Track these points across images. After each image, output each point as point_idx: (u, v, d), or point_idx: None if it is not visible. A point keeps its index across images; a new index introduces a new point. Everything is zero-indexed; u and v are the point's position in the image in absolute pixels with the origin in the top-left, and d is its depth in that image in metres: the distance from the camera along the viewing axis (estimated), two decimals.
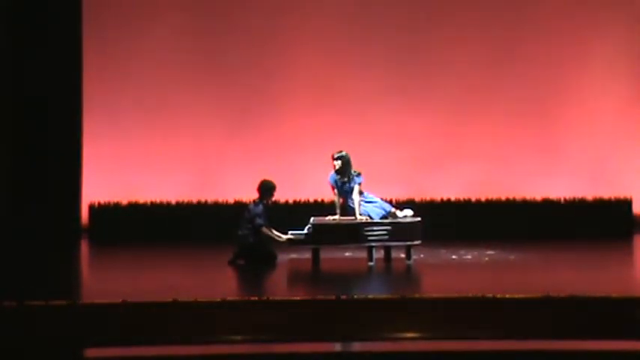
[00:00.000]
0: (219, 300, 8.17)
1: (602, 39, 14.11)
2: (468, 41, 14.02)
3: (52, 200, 13.47)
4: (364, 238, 10.69)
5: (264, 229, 10.90)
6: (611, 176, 14.05)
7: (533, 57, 14.06)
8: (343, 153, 10.86)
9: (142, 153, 13.94)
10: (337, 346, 8.05)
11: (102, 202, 13.88)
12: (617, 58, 14.11)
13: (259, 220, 10.89)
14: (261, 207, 10.96)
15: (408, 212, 11.01)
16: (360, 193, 10.80)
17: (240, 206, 13.60)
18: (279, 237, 10.91)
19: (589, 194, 14.02)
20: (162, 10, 14.01)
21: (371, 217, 10.75)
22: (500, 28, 14.07)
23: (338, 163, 10.81)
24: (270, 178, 11.16)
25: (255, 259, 10.93)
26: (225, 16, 14.06)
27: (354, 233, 10.68)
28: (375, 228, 10.69)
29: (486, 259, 11.31)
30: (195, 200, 13.94)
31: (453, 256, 11.49)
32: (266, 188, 11.03)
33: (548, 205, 13.97)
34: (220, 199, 13.92)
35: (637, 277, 10.55)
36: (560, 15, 14.10)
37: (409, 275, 10.44)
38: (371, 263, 10.69)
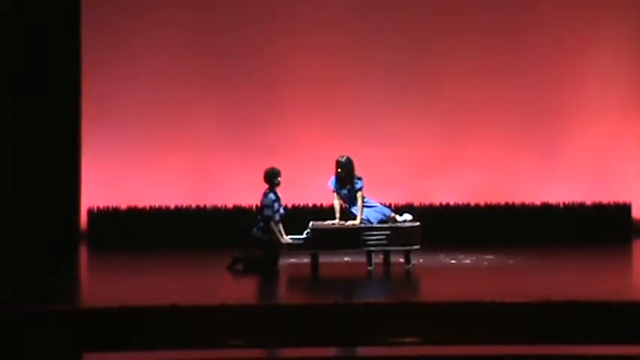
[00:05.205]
0: (217, 304, 8.16)
1: (601, 45, 14.12)
2: (467, 47, 14.01)
3: (51, 205, 13.45)
4: (363, 243, 10.68)
5: (271, 224, 10.83)
6: (611, 181, 14.06)
7: (532, 63, 14.06)
8: (345, 160, 10.80)
9: (141, 157, 13.93)
10: (336, 351, 8.05)
11: (101, 206, 13.87)
12: (616, 64, 14.11)
13: (267, 212, 10.82)
14: (271, 196, 10.87)
15: (407, 217, 11.01)
16: (362, 197, 10.79)
17: (239, 211, 13.66)
18: (282, 237, 10.86)
19: (588, 199, 14.02)
20: (163, 19, 13.99)
21: (370, 222, 10.74)
22: (500, 35, 14.06)
23: (341, 171, 10.77)
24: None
25: (255, 264, 10.90)
26: (224, 25, 14.04)
27: (353, 238, 10.68)
28: (374, 233, 10.68)
29: (485, 263, 11.30)
30: (194, 205, 13.93)
31: (452, 261, 11.48)
32: (271, 175, 10.94)
33: (547, 209, 13.97)
34: (219, 204, 13.90)
35: (636, 282, 10.54)
36: (560, 21, 14.10)
37: (408, 280, 10.43)
38: (370, 268, 10.68)
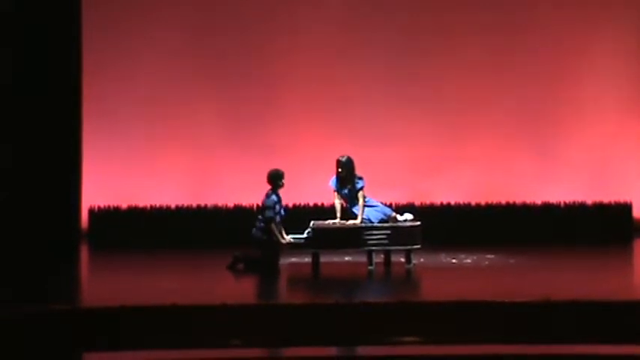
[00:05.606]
0: (218, 304, 8.16)
1: (601, 45, 14.12)
2: (467, 46, 14.01)
3: (51, 204, 13.44)
4: (364, 243, 10.68)
5: (272, 225, 10.83)
6: (611, 180, 14.05)
7: (532, 63, 14.06)
8: (346, 160, 10.79)
9: (141, 157, 13.93)
10: (336, 351, 8.04)
11: (102, 206, 13.87)
12: (616, 64, 14.11)
13: (269, 213, 10.81)
14: (274, 198, 10.85)
15: (408, 216, 11.01)
16: (363, 197, 10.79)
17: (239, 211, 13.65)
18: (283, 238, 10.86)
19: (589, 198, 14.02)
20: (163, 19, 13.99)
21: (371, 221, 10.74)
22: (500, 35, 14.05)
23: (342, 171, 10.77)
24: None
25: (255, 263, 10.89)
26: (224, 25, 14.04)
27: (354, 237, 10.68)
28: (374, 232, 10.68)
29: (486, 263, 11.30)
30: (194, 205, 13.92)
31: (453, 260, 11.48)
32: (275, 177, 10.93)
33: (548, 209, 13.96)
34: (220, 204, 13.90)
35: (637, 282, 10.53)
36: (560, 21, 14.10)
37: (409, 279, 10.43)
38: (371, 267, 10.68)
